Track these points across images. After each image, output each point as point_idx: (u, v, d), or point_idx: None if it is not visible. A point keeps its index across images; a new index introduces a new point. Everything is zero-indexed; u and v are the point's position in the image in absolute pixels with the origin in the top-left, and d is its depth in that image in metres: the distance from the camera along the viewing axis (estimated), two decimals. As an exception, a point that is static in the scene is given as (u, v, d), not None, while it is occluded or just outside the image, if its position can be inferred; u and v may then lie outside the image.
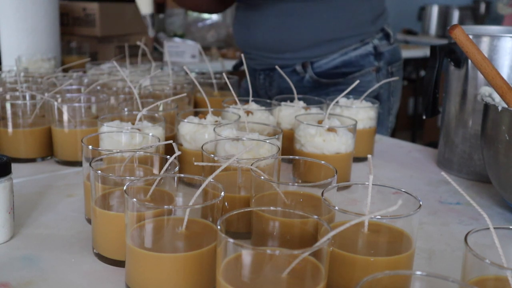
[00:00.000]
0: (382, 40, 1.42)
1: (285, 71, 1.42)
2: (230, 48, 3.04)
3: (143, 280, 0.57)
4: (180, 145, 0.93)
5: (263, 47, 1.44)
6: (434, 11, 4.41)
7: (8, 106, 1.01)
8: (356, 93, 1.12)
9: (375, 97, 1.41)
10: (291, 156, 0.83)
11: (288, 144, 1.00)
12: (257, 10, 1.40)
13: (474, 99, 0.98)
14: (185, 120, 0.92)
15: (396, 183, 0.97)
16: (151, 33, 1.30)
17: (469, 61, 0.97)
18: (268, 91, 1.50)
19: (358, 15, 1.39)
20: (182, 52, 2.71)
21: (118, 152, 0.74)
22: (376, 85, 1.09)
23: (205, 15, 3.46)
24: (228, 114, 1.01)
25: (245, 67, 1.07)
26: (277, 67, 1.21)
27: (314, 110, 1.09)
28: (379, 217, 0.57)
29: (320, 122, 0.95)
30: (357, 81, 1.01)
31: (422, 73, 3.93)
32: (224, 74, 0.99)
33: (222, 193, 0.59)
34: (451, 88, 1.02)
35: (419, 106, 4.08)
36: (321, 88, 1.40)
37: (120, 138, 0.82)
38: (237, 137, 0.82)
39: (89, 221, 0.76)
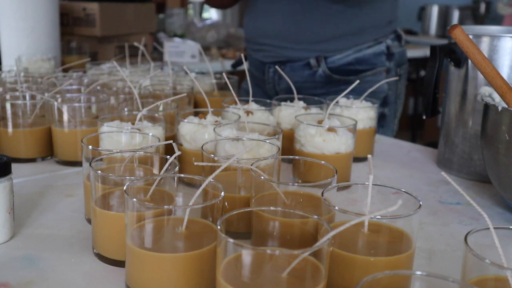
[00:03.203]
0: (394, 41, 1.43)
1: (297, 64, 1.42)
2: (230, 48, 3.04)
3: (143, 280, 0.57)
4: (180, 145, 0.93)
5: (280, 36, 1.41)
6: (434, 11, 4.40)
7: (8, 106, 1.01)
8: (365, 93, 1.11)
9: (384, 99, 1.41)
10: (291, 156, 0.83)
11: (288, 144, 1.00)
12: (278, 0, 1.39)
13: (474, 99, 0.98)
14: (185, 120, 0.92)
15: (396, 183, 0.97)
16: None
17: (469, 61, 0.97)
18: (277, 86, 1.47)
19: (378, 15, 1.39)
20: (182, 52, 2.71)
21: (118, 152, 0.74)
22: (377, 85, 1.09)
23: (205, 15, 3.46)
24: (228, 114, 1.01)
25: (245, 67, 1.07)
26: (278, 67, 1.21)
27: (314, 110, 1.09)
28: (379, 217, 0.57)
29: (320, 122, 0.95)
30: (357, 81, 1.00)
31: (422, 73, 3.93)
32: (224, 74, 0.99)
33: (222, 193, 0.59)
34: (451, 88, 1.02)
35: (419, 106, 4.08)
36: (333, 84, 1.39)
37: (120, 138, 0.82)
38: (237, 137, 0.82)
39: (89, 221, 0.76)
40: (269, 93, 1.48)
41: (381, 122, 1.44)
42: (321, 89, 1.37)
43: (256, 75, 1.53)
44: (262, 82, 1.51)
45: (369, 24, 1.38)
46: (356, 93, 1.09)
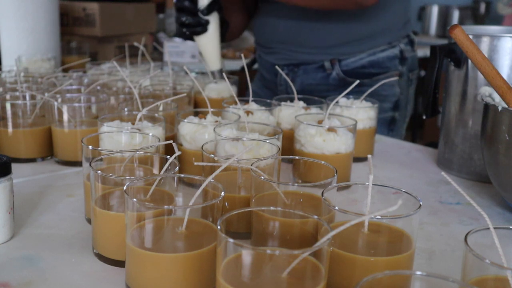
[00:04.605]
0: (407, 46, 1.43)
1: (311, 67, 1.42)
2: (230, 48, 3.04)
3: (143, 280, 0.57)
4: (180, 145, 0.93)
5: (294, 39, 1.41)
6: (434, 11, 4.40)
7: (8, 106, 1.01)
8: (377, 97, 1.11)
9: (395, 103, 1.41)
10: (291, 156, 0.83)
11: (288, 144, 1.00)
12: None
13: (474, 99, 0.98)
14: (185, 120, 0.92)
15: (396, 183, 0.97)
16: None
17: (469, 61, 0.97)
18: (289, 88, 1.44)
19: (392, 18, 1.39)
20: (182, 52, 2.71)
21: (118, 152, 0.74)
22: (376, 85, 1.08)
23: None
24: (228, 114, 1.01)
25: (245, 69, 1.07)
26: (278, 67, 1.21)
27: (314, 110, 1.09)
28: (379, 217, 0.57)
29: (320, 122, 0.95)
30: (357, 81, 1.00)
31: (422, 73, 3.92)
32: (224, 74, 0.99)
33: (222, 193, 0.59)
34: (451, 88, 1.02)
35: (419, 106, 4.08)
36: (346, 87, 1.38)
37: (120, 138, 0.82)
38: (237, 137, 0.82)
39: (89, 221, 0.76)
40: (280, 95, 1.48)
41: (391, 127, 1.43)
42: (334, 91, 1.36)
43: (268, 77, 1.53)
44: (273, 84, 1.51)
45: (383, 27, 1.38)
46: (369, 95, 1.09)
